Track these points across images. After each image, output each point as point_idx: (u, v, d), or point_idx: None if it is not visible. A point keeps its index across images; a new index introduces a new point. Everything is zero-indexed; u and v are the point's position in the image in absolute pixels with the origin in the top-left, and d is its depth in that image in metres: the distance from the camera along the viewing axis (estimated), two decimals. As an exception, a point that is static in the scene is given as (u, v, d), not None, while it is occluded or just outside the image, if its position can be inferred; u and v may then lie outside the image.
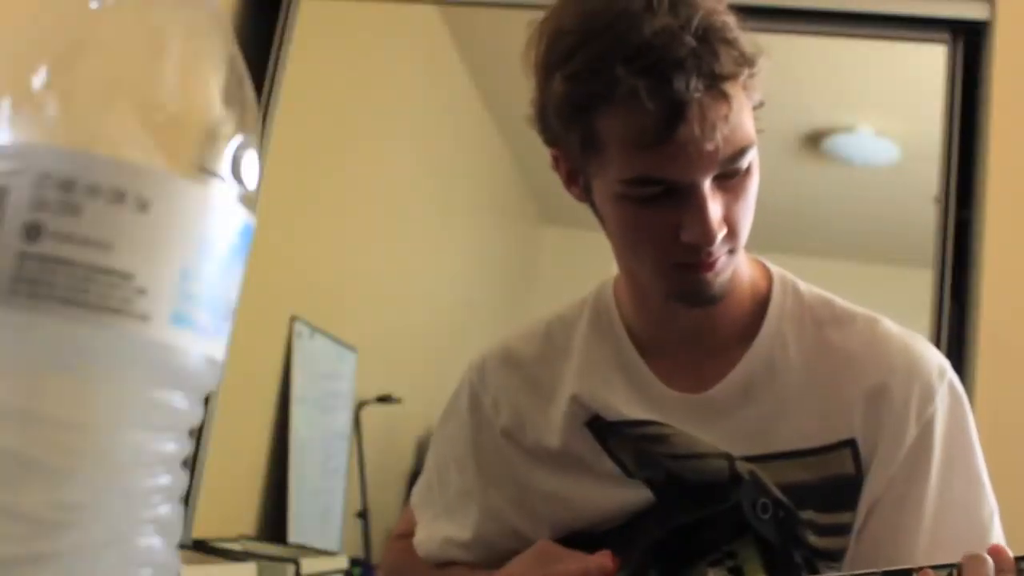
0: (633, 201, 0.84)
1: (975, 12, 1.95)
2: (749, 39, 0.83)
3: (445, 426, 1.08)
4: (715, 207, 0.83)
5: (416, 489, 1.11)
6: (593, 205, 0.91)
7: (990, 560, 0.71)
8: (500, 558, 0.98)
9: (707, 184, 0.82)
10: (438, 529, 1.05)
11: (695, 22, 0.79)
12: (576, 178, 0.91)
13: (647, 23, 0.79)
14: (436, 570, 1.05)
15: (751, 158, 0.85)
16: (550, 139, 0.90)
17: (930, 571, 0.72)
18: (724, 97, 0.80)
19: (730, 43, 0.81)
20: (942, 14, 1.96)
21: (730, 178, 0.84)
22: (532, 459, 0.99)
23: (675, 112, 0.78)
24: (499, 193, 2.86)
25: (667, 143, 0.79)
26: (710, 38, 0.79)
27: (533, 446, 0.99)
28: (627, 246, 0.91)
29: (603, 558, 0.85)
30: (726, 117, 0.80)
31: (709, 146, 0.80)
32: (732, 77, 0.80)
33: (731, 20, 0.82)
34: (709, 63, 0.79)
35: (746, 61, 0.82)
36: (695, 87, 0.78)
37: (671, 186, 0.82)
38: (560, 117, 0.85)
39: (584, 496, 0.96)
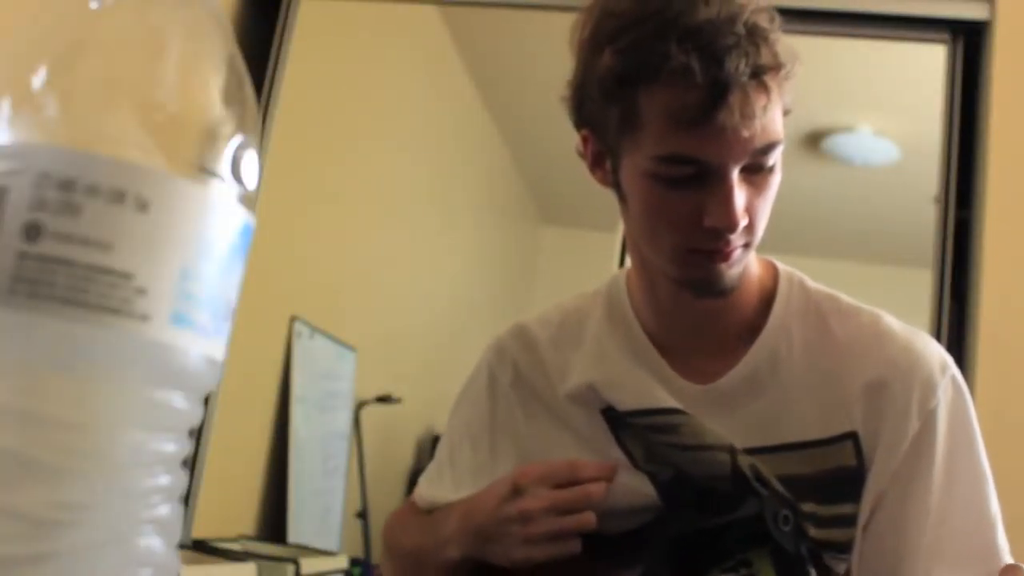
0: (662, 181, 0.86)
1: (975, 12, 1.95)
2: (785, 43, 0.86)
3: (459, 410, 1.09)
4: (740, 195, 0.85)
5: (423, 476, 1.11)
6: (618, 188, 0.93)
7: None
8: None
9: (735, 172, 0.85)
10: (443, 496, 1.05)
11: (744, 16, 0.83)
12: (603, 160, 0.93)
13: (700, 10, 0.83)
14: (424, 515, 1.06)
15: (777, 157, 0.88)
16: (583, 119, 0.93)
17: None
18: (765, 89, 0.83)
19: (770, 43, 0.84)
20: (942, 14, 1.96)
21: (756, 172, 0.87)
22: (541, 438, 1.01)
23: (720, 93, 0.81)
24: (499, 193, 2.86)
25: (707, 123, 0.82)
26: (755, 33, 0.83)
27: (544, 426, 1.01)
28: (647, 229, 0.92)
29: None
30: (764, 108, 0.83)
31: (745, 133, 0.83)
32: (774, 69, 0.84)
33: (773, 23, 0.86)
34: (754, 54, 0.83)
35: (785, 59, 0.85)
36: (743, 71, 0.81)
37: (702, 168, 0.84)
38: (603, 91, 0.87)
39: None
